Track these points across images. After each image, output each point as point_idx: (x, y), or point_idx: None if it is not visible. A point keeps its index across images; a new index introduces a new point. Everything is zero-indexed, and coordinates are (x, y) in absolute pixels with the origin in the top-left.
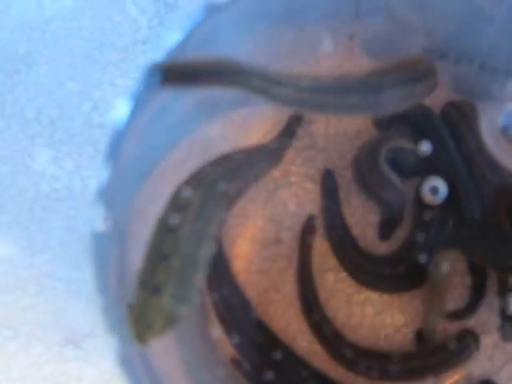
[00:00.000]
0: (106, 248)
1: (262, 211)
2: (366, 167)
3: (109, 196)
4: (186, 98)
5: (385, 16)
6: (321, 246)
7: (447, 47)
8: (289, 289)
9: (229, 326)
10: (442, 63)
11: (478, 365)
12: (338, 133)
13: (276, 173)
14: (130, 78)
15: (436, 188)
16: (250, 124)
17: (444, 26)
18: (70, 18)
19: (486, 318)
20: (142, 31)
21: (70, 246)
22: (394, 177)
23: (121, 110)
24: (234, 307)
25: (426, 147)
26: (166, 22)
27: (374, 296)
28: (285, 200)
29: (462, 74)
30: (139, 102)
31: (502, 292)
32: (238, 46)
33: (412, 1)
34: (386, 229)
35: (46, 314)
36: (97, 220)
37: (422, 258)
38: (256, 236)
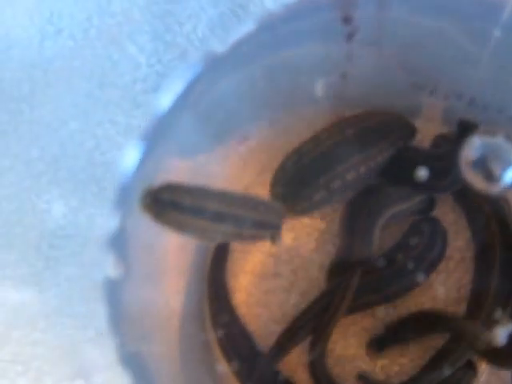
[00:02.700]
0: (119, 291)
1: (261, 246)
2: (359, 227)
3: (120, 242)
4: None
5: (376, 56)
6: None
7: (436, 84)
8: (288, 321)
9: (231, 357)
10: (431, 99)
11: None
12: None
13: None
14: (131, 115)
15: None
16: (246, 161)
17: (432, 64)
18: (71, 57)
19: None
20: (141, 69)
21: (77, 281)
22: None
23: (129, 157)
24: (236, 339)
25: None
26: (164, 60)
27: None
28: (282, 235)
29: (453, 108)
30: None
31: (489, 325)
32: (235, 94)
33: (401, 41)
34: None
35: (56, 349)
36: (108, 266)
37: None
38: (256, 270)
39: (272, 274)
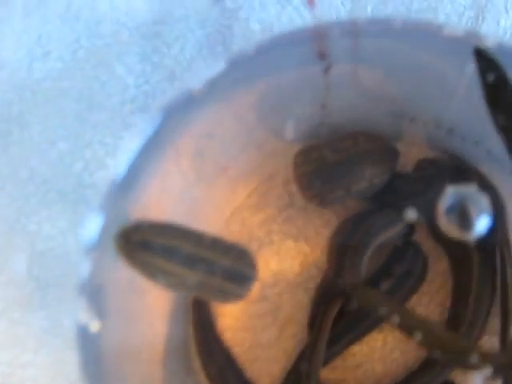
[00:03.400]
0: (93, 337)
1: None
2: (348, 257)
3: (92, 287)
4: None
5: (353, 88)
6: None
7: (415, 113)
8: (273, 345)
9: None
10: (411, 126)
11: None
12: None
13: (259, 232)
14: (119, 137)
15: None
16: (235, 185)
17: (410, 95)
18: (60, 78)
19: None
20: (129, 90)
21: (65, 302)
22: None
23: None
24: (220, 365)
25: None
26: (152, 81)
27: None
28: (267, 258)
29: (433, 135)
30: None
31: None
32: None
33: (377, 73)
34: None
35: (46, 369)
36: (81, 314)
37: None
38: None
39: (258, 298)
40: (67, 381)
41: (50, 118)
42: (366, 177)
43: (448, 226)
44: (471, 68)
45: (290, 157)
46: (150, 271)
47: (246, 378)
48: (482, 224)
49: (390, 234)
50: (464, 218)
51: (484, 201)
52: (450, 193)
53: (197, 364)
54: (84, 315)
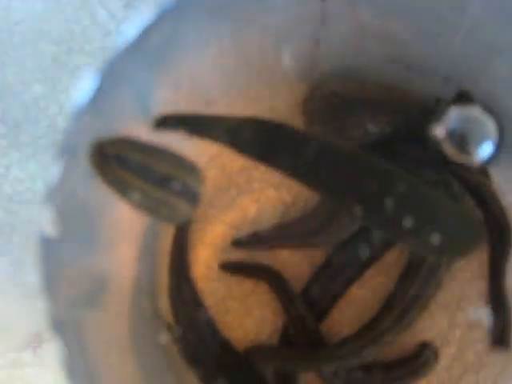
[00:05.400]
0: (56, 251)
1: (223, 217)
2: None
3: (59, 196)
4: None
5: (350, 23)
6: None
7: (411, 59)
8: (248, 298)
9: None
10: (407, 74)
11: (435, 376)
12: None
13: (239, 179)
14: None
15: None
16: None
17: (408, 37)
18: (40, 20)
19: (445, 331)
20: (110, 36)
21: (30, 250)
22: None
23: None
24: (189, 308)
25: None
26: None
27: None
28: (246, 206)
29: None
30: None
31: None
32: (201, 48)
33: (377, 8)
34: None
35: (5, 318)
36: (45, 223)
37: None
38: (216, 242)
39: (233, 247)
40: (25, 331)
41: (27, 59)
42: (363, 123)
43: (450, 151)
44: (471, 12)
45: (275, 103)
46: (121, 188)
47: (216, 326)
48: (484, 148)
49: None
50: (466, 142)
51: (488, 124)
52: (454, 114)
53: (166, 305)
54: (47, 224)
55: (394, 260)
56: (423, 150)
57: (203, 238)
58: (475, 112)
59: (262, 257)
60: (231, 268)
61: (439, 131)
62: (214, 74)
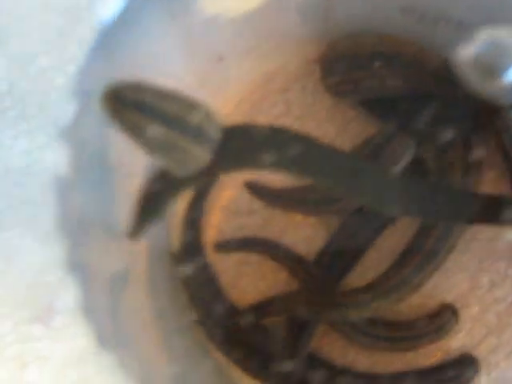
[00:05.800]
0: (69, 192)
1: (235, 181)
2: None
3: (74, 135)
4: None
5: None
6: None
7: (424, 8)
8: (262, 263)
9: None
10: (420, 25)
11: (457, 339)
12: (315, 102)
13: None
14: None
15: None
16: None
17: None
18: None
19: (466, 292)
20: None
21: (40, 222)
22: None
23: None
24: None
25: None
26: None
27: None
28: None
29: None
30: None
31: None
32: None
33: None
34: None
35: (15, 291)
36: (59, 162)
37: None
38: (229, 205)
39: (246, 211)
40: (36, 304)
41: (33, 31)
42: (380, 75)
43: (472, 77)
44: None
45: (290, 56)
46: (134, 132)
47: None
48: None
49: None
50: (491, 66)
51: None
52: (479, 38)
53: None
54: (62, 163)
55: (408, 222)
56: (441, 108)
57: (216, 203)
58: (502, 33)
59: (277, 220)
60: (227, 247)
61: (466, 55)
62: (225, 32)
